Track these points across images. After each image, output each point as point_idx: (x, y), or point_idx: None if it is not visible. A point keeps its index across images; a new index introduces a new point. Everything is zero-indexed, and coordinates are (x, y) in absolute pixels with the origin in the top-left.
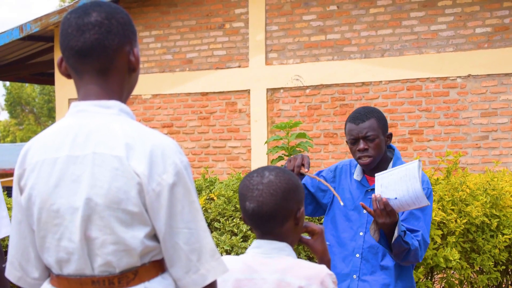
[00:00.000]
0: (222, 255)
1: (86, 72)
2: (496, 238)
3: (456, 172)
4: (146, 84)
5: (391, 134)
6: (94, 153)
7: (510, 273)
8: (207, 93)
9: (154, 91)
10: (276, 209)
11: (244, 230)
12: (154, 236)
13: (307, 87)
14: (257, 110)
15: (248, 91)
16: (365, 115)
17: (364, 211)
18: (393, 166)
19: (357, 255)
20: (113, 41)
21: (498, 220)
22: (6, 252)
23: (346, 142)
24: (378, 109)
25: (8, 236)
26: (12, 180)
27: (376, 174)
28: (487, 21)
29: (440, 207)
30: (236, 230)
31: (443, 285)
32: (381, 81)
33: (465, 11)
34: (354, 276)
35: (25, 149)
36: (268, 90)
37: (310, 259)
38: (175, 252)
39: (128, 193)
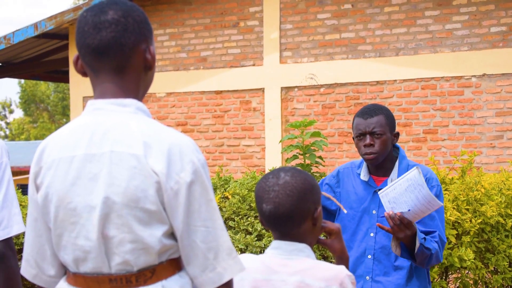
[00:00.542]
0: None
1: (102, 70)
2: (511, 238)
3: (470, 172)
4: (161, 82)
5: (398, 133)
6: (112, 151)
7: None
8: (221, 92)
9: (169, 89)
10: (293, 209)
11: (259, 229)
12: (171, 235)
13: (322, 85)
14: (271, 108)
15: (262, 90)
16: (374, 111)
17: (374, 212)
18: (399, 165)
19: (369, 256)
20: (130, 39)
21: None
22: (19, 250)
23: (353, 138)
24: (387, 107)
25: (22, 234)
26: (26, 178)
27: (379, 193)
28: (502, 20)
29: (455, 207)
30: (250, 229)
31: (457, 285)
32: (395, 80)
33: (480, 10)
34: (367, 277)
35: (42, 147)
36: (282, 88)
37: (325, 258)
38: (192, 250)
39: (146, 191)
